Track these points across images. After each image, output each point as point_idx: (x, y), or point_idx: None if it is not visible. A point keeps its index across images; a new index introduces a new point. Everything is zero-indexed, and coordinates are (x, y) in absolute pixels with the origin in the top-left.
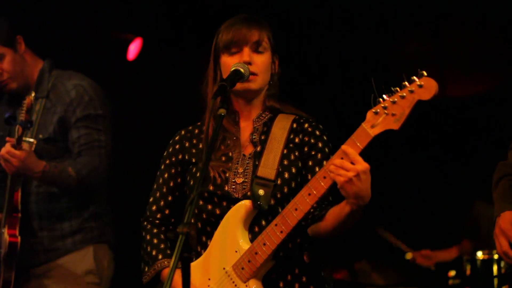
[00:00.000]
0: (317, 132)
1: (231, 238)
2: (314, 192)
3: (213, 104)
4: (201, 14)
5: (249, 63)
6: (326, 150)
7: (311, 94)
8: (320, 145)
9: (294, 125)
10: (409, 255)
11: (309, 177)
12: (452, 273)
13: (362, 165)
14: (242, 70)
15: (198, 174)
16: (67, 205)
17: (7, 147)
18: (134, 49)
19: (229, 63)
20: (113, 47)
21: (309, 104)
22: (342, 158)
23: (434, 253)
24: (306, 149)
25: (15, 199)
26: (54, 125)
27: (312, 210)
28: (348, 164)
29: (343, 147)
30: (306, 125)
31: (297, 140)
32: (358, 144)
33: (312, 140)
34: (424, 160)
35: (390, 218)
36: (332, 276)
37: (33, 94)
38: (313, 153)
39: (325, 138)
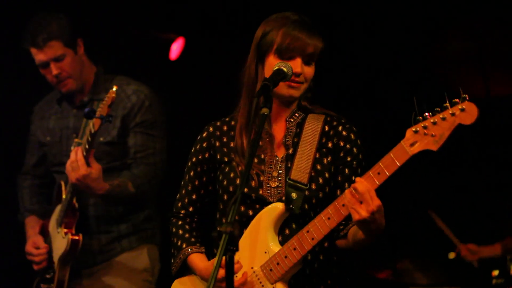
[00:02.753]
0: (352, 136)
1: (261, 239)
2: (348, 204)
3: (256, 103)
4: (242, 14)
5: (300, 74)
6: (360, 156)
7: (350, 101)
8: (355, 150)
9: (326, 128)
10: (452, 255)
11: (346, 185)
12: (496, 272)
13: (375, 203)
14: (285, 69)
15: (231, 175)
16: (125, 208)
17: (78, 155)
18: (176, 48)
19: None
20: (155, 47)
21: (347, 110)
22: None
23: (480, 248)
24: (341, 154)
25: (73, 202)
26: (117, 128)
27: (344, 222)
28: (360, 206)
29: (358, 179)
30: (340, 128)
31: (330, 144)
32: (396, 161)
33: (348, 146)
34: (472, 156)
35: (440, 207)
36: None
37: (115, 88)
38: (348, 159)
39: (359, 142)
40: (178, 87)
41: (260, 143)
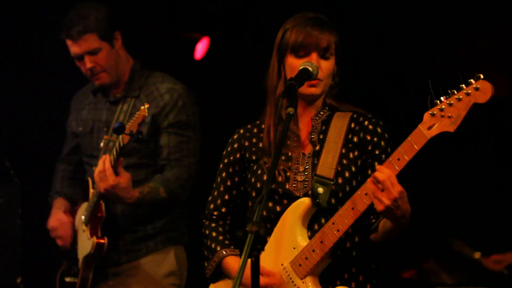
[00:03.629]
0: (379, 130)
1: (289, 234)
2: (370, 193)
3: (281, 102)
4: (268, 14)
5: None
6: (389, 149)
7: (370, 93)
8: (382, 143)
9: (352, 125)
10: (477, 254)
11: None
12: None
13: (398, 189)
14: (310, 68)
15: (259, 172)
16: (152, 208)
17: (105, 165)
18: (201, 48)
19: (296, 65)
20: (181, 47)
21: (367, 102)
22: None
23: (505, 256)
24: (369, 148)
25: (100, 202)
26: (148, 126)
27: (374, 214)
28: (382, 193)
29: (378, 167)
30: (366, 123)
31: (355, 139)
32: (415, 145)
33: (375, 139)
34: (491, 159)
35: (458, 222)
36: (384, 273)
37: (146, 106)
38: (377, 152)
39: (386, 136)
40: (203, 87)
41: (288, 142)
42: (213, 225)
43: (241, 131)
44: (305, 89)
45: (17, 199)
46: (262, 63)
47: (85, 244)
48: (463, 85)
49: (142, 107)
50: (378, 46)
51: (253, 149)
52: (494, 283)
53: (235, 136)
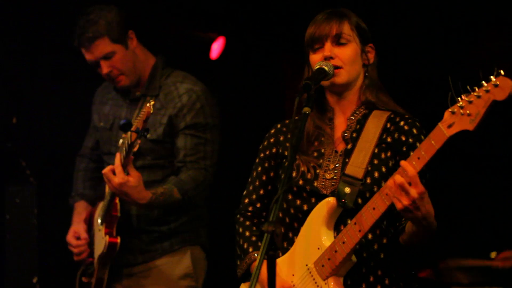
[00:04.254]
0: (415, 131)
1: (314, 234)
2: (390, 193)
3: (297, 102)
4: (284, 13)
5: (331, 58)
6: None
7: (391, 90)
8: (418, 145)
9: (388, 125)
10: (493, 254)
11: None
12: None
13: (418, 189)
14: (326, 68)
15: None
16: (167, 209)
17: (115, 163)
18: (217, 48)
19: (315, 60)
20: (196, 46)
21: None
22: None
23: None
24: (404, 148)
25: (115, 201)
26: (164, 126)
27: (392, 211)
28: (402, 193)
29: (403, 164)
30: (402, 123)
31: (389, 139)
32: (434, 144)
33: (410, 140)
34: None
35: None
36: (415, 277)
37: (152, 103)
38: (411, 154)
39: (422, 137)
40: (219, 87)
41: (322, 138)
42: (247, 223)
43: (278, 125)
44: (327, 81)
45: (33, 199)
46: (277, 63)
47: (100, 243)
48: (484, 82)
49: (148, 104)
50: (398, 43)
51: (287, 144)
52: (510, 283)
53: (272, 131)
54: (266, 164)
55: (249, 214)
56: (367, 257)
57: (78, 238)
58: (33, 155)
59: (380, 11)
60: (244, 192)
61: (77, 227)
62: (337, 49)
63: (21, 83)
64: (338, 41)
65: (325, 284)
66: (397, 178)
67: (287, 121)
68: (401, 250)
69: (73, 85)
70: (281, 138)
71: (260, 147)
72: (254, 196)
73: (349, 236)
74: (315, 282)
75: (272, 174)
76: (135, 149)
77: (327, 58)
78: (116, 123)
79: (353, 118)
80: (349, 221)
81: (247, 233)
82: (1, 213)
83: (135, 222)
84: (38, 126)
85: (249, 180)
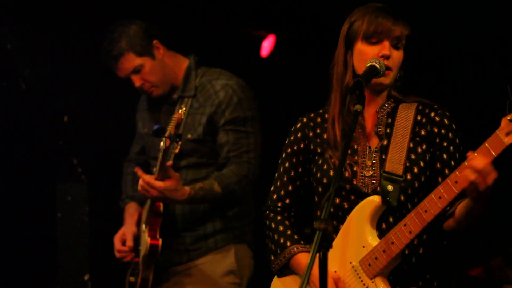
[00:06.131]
0: (446, 121)
1: (359, 233)
2: (445, 196)
3: (349, 99)
4: (333, 11)
5: (388, 57)
6: (457, 140)
7: (446, 92)
8: (450, 135)
9: (419, 117)
10: None
11: (446, 171)
12: None
13: (492, 176)
14: (378, 66)
15: (325, 167)
16: (212, 206)
17: (146, 177)
18: (267, 46)
19: (367, 52)
20: (247, 44)
21: (444, 102)
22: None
23: None
24: (437, 140)
25: (156, 203)
26: (203, 125)
27: (442, 213)
28: (478, 179)
29: (470, 154)
30: (433, 114)
31: (423, 132)
32: (492, 151)
33: (443, 131)
34: None
35: None
36: (458, 275)
37: (183, 109)
38: (445, 144)
39: (454, 126)
40: (270, 84)
41: (354, 134)
42: (278, 217)
43: (305, 119)
44: (374, 79)
45: (84, 196)
46: (327, 61)
47: (144, 244)
48: None
49: (180, 111)
50: (458, 47)
51: (318, 140)
52: None
53: (298, 125)
54: (294, 160)
55: (278, 209)
56: (408, 254)
57: (123, 243)
58: (84, 153)
59: (437, 9)
60: (272, 188)
61: (127, 230)
62: (393, 51)
63: (73, 81)
64: (396, 44)
65: (372, 283)
66: (477, 163)
67: (312, 115)
68: (443, 242)
69: (125, 83)
70: (311, 134)
71: (286, 142)
72: (282, 192)
73: (399, 238)
74: (361, 281)
75: (300, 169)
76: (176, 150)
77: (384, 57)
78: None
79: (382, 110)
80: (391, 219)
81: (281, 228)
82: (52, 211)
83: (180, 222)
84: (90, 124)
85: (276, 175)
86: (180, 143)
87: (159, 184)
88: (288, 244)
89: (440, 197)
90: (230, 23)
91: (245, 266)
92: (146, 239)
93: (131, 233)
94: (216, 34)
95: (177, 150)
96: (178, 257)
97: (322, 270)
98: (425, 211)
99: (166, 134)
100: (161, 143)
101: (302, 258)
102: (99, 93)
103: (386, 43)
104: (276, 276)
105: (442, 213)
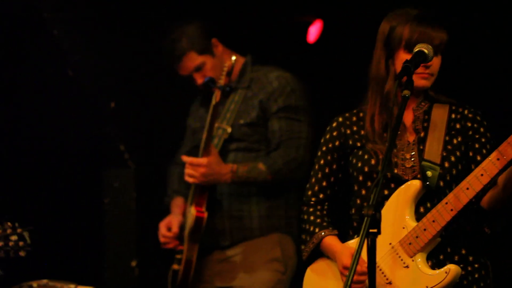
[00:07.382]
0: (478, 118)
1: (399, 215)
2: (487, 172)
3: (397, 84)
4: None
5: (430, 66)
6: (488, 135)
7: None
8: (482, 130)
9: (453, 115)
10: None
11: (479, 158)
12: None
13: None
14: (426, 51)
15: (366, 156)
16: (258, 189)
17: (190, 158)
18: (314, 31)
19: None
20: (293, 30)
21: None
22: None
23: None
24: (470, 132)
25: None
26: (256, 109)
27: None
28: None
29: None
30: (466, 112)
31: (458, 126)
32: None
33: (475, 125)
34: None
35: None
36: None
37: (234, 58)
38: (477, 136)
39: (485, 123)
40: (316, 71)
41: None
42: (311, 209)
43: (340, 119)
44: (418, 81)
45: (131, 183)
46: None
47: (190, 218)
48: None
49: (230, 59)
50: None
51: (356, 136)
52: None
53: (334, 124)
54: (329, 157)
55: (312, 203)
56: (449, 235)
57: (169, 229)
58: (131, 139)
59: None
60: (307, 185)
61: (174, 218)
62: (434, 58)
63: (120, 67)
64: (436, 52)
65: (412, 261)
66: None
67: (347, 114)
68: (473, 222)
69: (173, 70)
70: (348, 131)
71: (322, 141)
72: (316, 188)
73: (440, 216)
74: (401, 260)
75: (335, 166)
76: (228, 132)
77: (426, 67)
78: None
79: (419, 109)
80: (428, 204)
81: (312, 217)
82: (99, 197)
83: (226, 202)
84: (137, 110)
85: (312, 172)
86: (228, 129)
87: (202, 159)
88: (317, 230)
89: (482, 174)
90: (277, 9)
91: (290, 257)
92: (192, 212)
93: (178, 221)
94: (263, 21)
95: (228, 133)
96: (222, 239)
97: (370, 256)
98: (467, 188)
99: (217, 85)
100: (212, 99)
101: (331, 240)
102: (146, 78)
103: None
104: (308, 269)
105: (483, 190)
